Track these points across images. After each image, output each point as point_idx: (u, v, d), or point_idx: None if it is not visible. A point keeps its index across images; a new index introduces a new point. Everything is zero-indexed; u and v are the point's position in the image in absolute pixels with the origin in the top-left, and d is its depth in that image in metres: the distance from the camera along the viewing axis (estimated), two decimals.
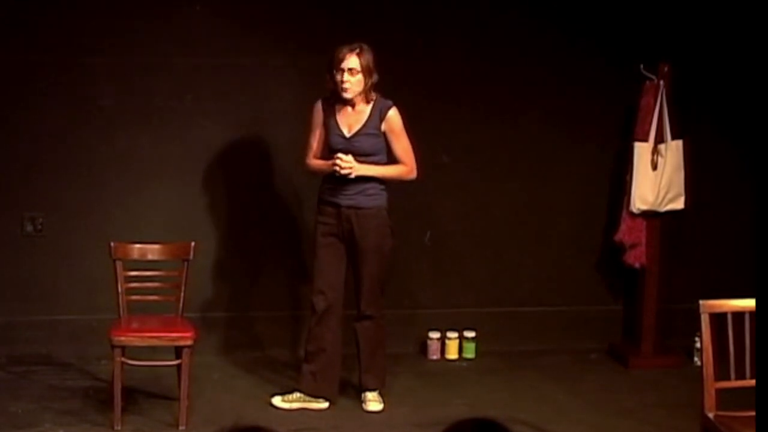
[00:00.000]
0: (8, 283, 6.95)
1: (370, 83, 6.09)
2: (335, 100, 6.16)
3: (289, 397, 6.33)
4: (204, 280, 6.94)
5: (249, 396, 6.49)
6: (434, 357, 7.32)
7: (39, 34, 6.81)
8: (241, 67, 6.98)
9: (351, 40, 6.13)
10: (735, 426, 4.80)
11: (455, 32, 7.21)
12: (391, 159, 6.23)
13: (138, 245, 6.33)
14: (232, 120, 7.04)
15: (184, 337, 6.00)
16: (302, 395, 6.32)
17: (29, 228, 6.95)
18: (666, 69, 7.06)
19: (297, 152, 6.79)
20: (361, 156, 6.11)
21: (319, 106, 6.24)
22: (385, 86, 6.59)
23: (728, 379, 4.96)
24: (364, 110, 6.17)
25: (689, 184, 7.17)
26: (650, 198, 7.13)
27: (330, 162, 6.13)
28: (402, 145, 6.20)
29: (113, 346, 5.95)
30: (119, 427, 5.93)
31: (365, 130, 6.15)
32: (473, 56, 7.25)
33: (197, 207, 7.06)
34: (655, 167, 7.10)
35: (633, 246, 7.24)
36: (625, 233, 7.24)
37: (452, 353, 7.32)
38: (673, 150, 7.11)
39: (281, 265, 7.22)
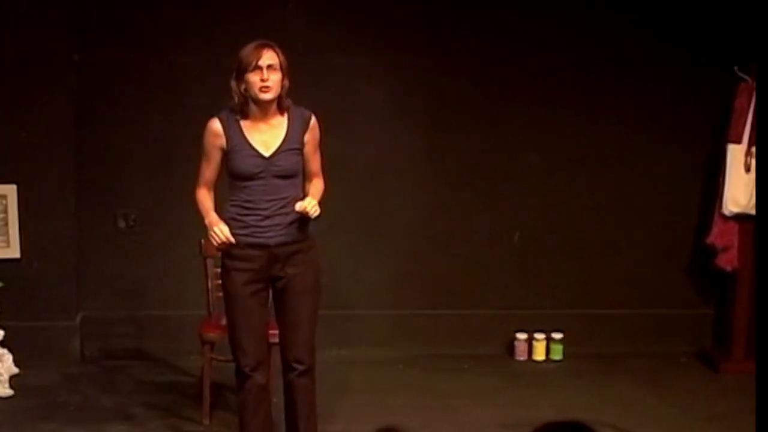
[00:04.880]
0: (101, 278, 7.07)
1: (286, 86, 5.15)
2: (242, 115, 5.15)
3: None
4: None
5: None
6: (521, 358, 7.29)
7: (136, 34, 6.91)
8: None
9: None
10: None
11: (549, 31, 7.16)
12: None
13: None
14: None
15: (273, 334, 6.03)
16: None
17: (122, 224, 7.06)
18: None
19: None
20: (281, 178, 5.14)
21: (216, 127, 5.18)
22: (462, 87, 6.55)
23: None
24: (281, 123, 5.17)
25: None
26: (743, 200, 7.03)
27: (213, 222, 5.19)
28: (320, 159, 5.30)
29: (203, 343, 6.02)
30: (208, 422, 6.01)
31: (286, 146, 5.15)
32: (568, 57, 7.19)
33: None
34: (748, 169, 6.99)
35: (725, 249, 7.14)
36: (716, 236, 7.15)
37: (539, 354, 7.29)
38: None
39: None
